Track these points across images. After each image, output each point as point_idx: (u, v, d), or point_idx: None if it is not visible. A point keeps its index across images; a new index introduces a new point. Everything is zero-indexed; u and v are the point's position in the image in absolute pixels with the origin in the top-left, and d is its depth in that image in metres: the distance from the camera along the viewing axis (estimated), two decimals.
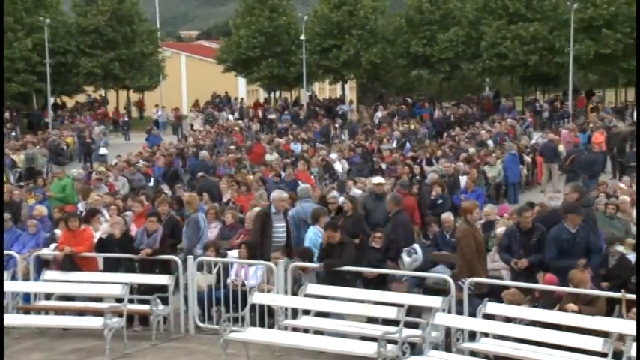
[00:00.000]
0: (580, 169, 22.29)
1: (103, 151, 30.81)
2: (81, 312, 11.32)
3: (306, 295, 10.17)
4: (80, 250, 11.58)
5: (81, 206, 15.53)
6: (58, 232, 12.74)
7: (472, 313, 9.33)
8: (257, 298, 10.22)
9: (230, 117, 44.18)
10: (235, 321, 10.19)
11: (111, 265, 11.66)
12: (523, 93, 50.61)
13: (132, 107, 51.57)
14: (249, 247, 11.54)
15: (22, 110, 47.37)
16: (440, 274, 11.07)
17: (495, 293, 9.80)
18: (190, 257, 11.21)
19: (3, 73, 39.79)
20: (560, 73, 46.02)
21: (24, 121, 44.74)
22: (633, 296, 9.08)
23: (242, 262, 11.29)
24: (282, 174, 20.50)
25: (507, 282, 9.93)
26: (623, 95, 48.64)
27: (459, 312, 9.54)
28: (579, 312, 8.77)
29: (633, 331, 8.11)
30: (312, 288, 10.26)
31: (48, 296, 11.47)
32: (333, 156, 25.35)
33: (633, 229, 12.87)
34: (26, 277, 11.78)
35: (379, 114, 41.93)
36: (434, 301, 9.41)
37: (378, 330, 9.11)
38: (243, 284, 10.96)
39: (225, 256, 11.95)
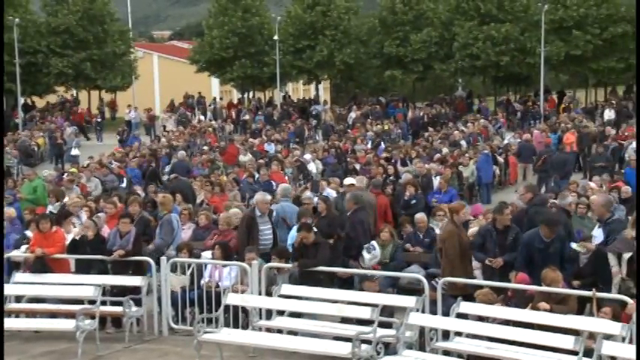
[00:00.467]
0: (552, 169, 22.52)
1: (74, 151, 30.54)
2: (52, 314, 11.20)
3: (280, 296, 10.16)
4: (52, 252, 11.47)
5: (51, 207, 15.38)
6: (29, 233, 12.60)
7: (446, 313, 9.38)
8: (231, 299, 10.20)
9: (202, 117, 44.04)
10: (209, 322, 10.15)
11: (83, 267, 11.56)
12: (495, 93, 50.98)
13: (104, 108, 51.13)
14: (223, 248, 11.52)
15: None
16: (413, 274, 11.12)
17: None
18: (164, 258, 11.14)
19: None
20: (532, 73, 46.39)
21: None
22: (603, 295, 9.19)
23: (216, 263, 11.25)
24: (256, 174, 20.48)
25: (480, 281, 9.99)
26: (594, 96, 49.16)
27: (433, 312, 9.58)
28: (551, 311, 8.85)
29: (604, 330, 8.21)
30: (286, 289, 10.25)
31: (18, 299, 11.32)
32: (307, 156, 25.35)
33: None
34: None
35: (353, 114, 42.00)
36: (408, 301, 9.44)
37: (352, 330, 9.12)
38: (217, 285, 10.93)
39: (198, 257, 11.91)
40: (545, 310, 8.87)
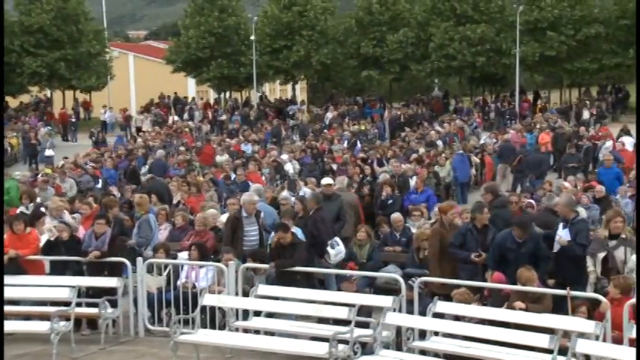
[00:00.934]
0: (527, 168, 22.67)
1: (48, 152, 30.26)
2: (27, 316, 11.09)
3: (257, 297, 10.15)
4: (25, 254, 11.35)
5: (23, 208, 15.20)
6: None
7: (422, 313, 9.42)
8: (208, 299, 10.17)
9: (176, 117, 43.89)
10: (186, 323, 10.11)
11: (58, 269, 11.46)
12: (471, 94, 51.29)
13: (79, 108, 50.74)
14: (200, 249, 11.49)
15: None
16: (390, 273, 11.16)
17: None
18: (140, 259, 11.09)
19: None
20: (507, 74, 46.73)
21: None
22: (578, 293, 9.28)
23: (192, 264, 11.21)
24: (233, 175, 20.43)
25: (456, 281, 10.03)
26: (568, 96, 49.60)
27: (410, 311, 9.62)
28: (526, 310, 8.92)
29: (578, 328, 8.28)
30: (263, 289, 10.25)
31: None
32: (284, 157, 25.32)
33: None
34: None
35: (329, 114, 42.03)
36: (384, 300, 9.47)
37: (329, 330, 9.13)
38: (194, 286, 10.89)
39: (175, 257, 11.86)
40: (521, 309, 8.94)
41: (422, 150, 25.84)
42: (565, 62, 44.69)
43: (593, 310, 8.94)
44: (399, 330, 9.35)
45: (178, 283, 11.03)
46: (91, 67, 49.21)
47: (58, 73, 47.34)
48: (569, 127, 31.59)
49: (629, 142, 25.34)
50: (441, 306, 9.24)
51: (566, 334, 8.36)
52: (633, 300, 8.76)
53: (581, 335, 8.17)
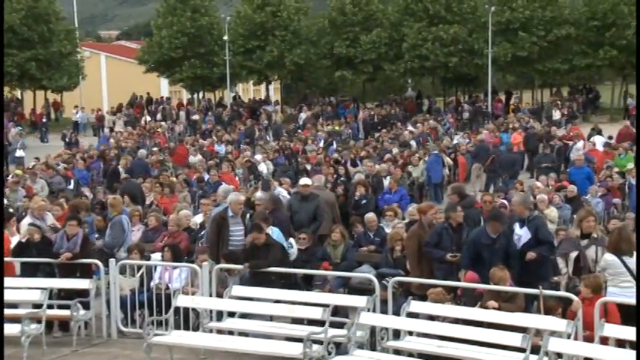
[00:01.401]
0: (500, 168, 22.84)
1: (19, 152, 29.92)
2: None
3: (231, 297, 10.12)
4: None
5: None
6: None
7: (396, 312, 9.45)
8: (181, 301, 10.12)
9: (149, 118, 43.69)
10: (159, 324, 10.04)
11: (29, 270, 11.33)
12: (444, 94, 51.55)
13: (50, 108, 50.27)
14: (173, 250, 11.43)
15: None
16: (364, 273, 11.17)
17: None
18: (112, 260, 11.00)
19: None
20: (480, 74, 47.05)
21: None
22: (550, 292, 9.36)
23: (166, 265, 11.15)
24: (206, 175, 20.35)
25: (430, 280, 10.08)
26: (539, 96, 50.05)
27: (384, 311, 9.64)
28: (499, 309, 8.99)
29: (550, 327, 8.36)
30: (237, 290, 10.21)
31: None
32: (258, 157, 25.27)
33: (550, 226, 13.21)
34: None
35: (303, 115, 42.04)
36: (359, 300, 9.48)
37: (303, 331, 9.13)
38: (167, 287, 10.83)
39: (148, 259, 11.79)
40: (494, 308, 9.00)
41: (395, 150, 25.93)
42: (536, 63, 45.10)
43: (565, 309, 9.03)
44: (373, 330, 9.37)
45: (152, 284, 10.95)
46: (63, 67, 48.75)
47: (28, 73, 46.83)
48: (540, 127, 31.88)
49: (599, 141, 25.65)
50: (415, 306, 9.28)
51: (539, 333, 8.43)
52: (604, 298, 8.87)
53: (554, 334, 8.24)
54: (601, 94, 48.38)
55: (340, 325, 9.40)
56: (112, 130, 39.54)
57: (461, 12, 45.73)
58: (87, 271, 11.10)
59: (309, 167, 23.29)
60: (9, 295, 10.84)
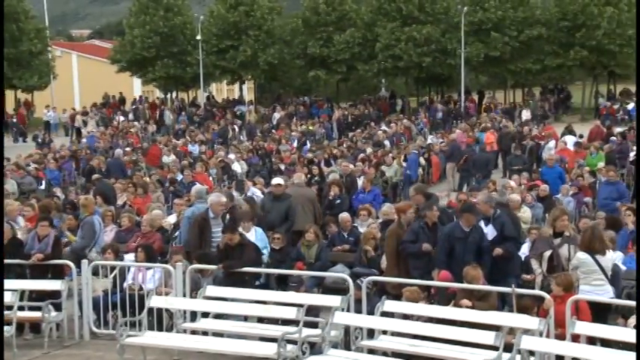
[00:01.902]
0: (474, 168, 22.98)
1: None
2: None
3: (205, 298, 10.07)
4: None
5: None
6: None
7: (371, 312, 9.47)
8: (155, 301, 10.06)
9: (122, 118, 43.39)
10: (132, 325, 9.96)
11: None
12: (418, 94, 51.73)
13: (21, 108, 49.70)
14: (147, 251, 11.36)
15: None
16: (339, 273, 11.18)
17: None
18: (85, 261, 10.90)
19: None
20: (453, 74, 47.28)
21: None
22: (523, 291, 9.44)
23: (139, 266, 11.08)
24: (180, 176, 20.26)
25: (403, 280, 10.11)
26: (512, 96, 50.42)
27: (358, 311, 9.65)
28: (473, 307, 9.04)
29: (523, 325, 8.42)
30: (211, 290, 10.17)
31: None
32: (232, 157, 25.21)
33: (524, 226, 13.30)
34: None
35: (277, 115, 41.99)
36: (333, 300, 9.48)
37: (277, 331, 9.12)
38: (141, 288, 10.76)
39: (122, 259, 11.71)
40: (467, 307, 9.06)
41: (369, 150, 26.01)
42: (509, 63, 45.41)
43: (537, 307, 9.10)
44: (347, 329, 9.38)
45: (125, 285, 10.88)
46: (33, 67, 48.20)
47: None
48: (513, 126, 32.12)
49: (570, 141, 25.90)
50: (389, 305, 9.31)
51: (512, 331, 8.49)
52: (575, 296, 8.96)
53: (526, 332, 8.30)
54: (572, 94, 48.88)
55: (314, 325, 9.41)
56: (79, 131, 39.24)
57: (434, 12, 45.92)
58: (59, 272, 10.99)
59: (282, 167, 23.31)
60: None
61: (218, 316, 10.01)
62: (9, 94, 49.73)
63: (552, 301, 8.76)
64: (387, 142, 28.44)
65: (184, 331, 9.95)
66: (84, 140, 33.29)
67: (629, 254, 11.86)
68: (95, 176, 20.02)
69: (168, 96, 53.17)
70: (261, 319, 9.93)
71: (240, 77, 51.42)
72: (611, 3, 43.31)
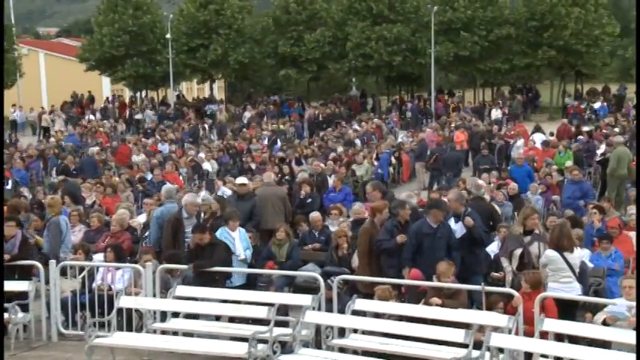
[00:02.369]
0: (444, 167, 23.10)
1: None
2: None
3: (176, 298, 10.01)
4: None
5: None
6: None
7: (341, 311, 9.48)
8: (124, 301, 9.98)
9: (92, 117, 42.99)
10: (101, 326, 9.89)
11: None
12: (388, 93, 51.90)
13: None
14: (116, 251, 11.27)
15: None
16: (310, 272, 11.18)
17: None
18: (53, 262, 10.78)
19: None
20: (423, 73, 47.48)
21: None
22: (492, 289, 9.51)
23: (108, 266, 10.98)
24: (150, 175, 20.13)
25: (374, 278, 10.14)
26: (481, 95, 50.78)
27: (329, 309, 9.66)
28: (442, 305, 9.09)
29: (492, 322, 8.48)
30: (181, 290, 10.11)
31: None
32: (202, 156, 25.11)
33: None
34: None
35: (247, 114, 41.89)
36: (304, 299, 9.48)
37: (248, 330, 9.09)
38: (110, 288, 10.67)
39: (91, 259, 11.60)
40: (437, 305, 9.10)
41: (340, 149, 26.03)
42: (478, 62, 45.72)
43: (507, 305, 9.17)
44: (318, 328, 9.38)
45: (94, 285, 10.77)
46: None
47: None
48: (483, 125, 32.35)
49: (539, 139, 26.16)
50: (360, 304, 9.32)
51: (481, 329, 8.55)
52: (544, 294, 9.04)
53: (495, 329, 8.36)
54: (540, 93, 49.36)
55: (285, 324, 9.39)
56: (47, 129, 38.83)
57: (404, 11, 46.08)
58: (26, 273, 10.85)
59: (253, 166, 23.25)
60: None
61: (188, 316, 9.96)
62: None
63: (521, 299, 8.84)
64: (357, 141, 28.50)
65: (154, 332, 9.88)
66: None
67: (595, 252, 12.03)
68: (60, 177, 19.81)
69: (138, 95, 52.79)
70: (232, 319, 9.89)
71: (210, 76, 51.20)
72: (578, 4, 43.80)
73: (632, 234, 12.81)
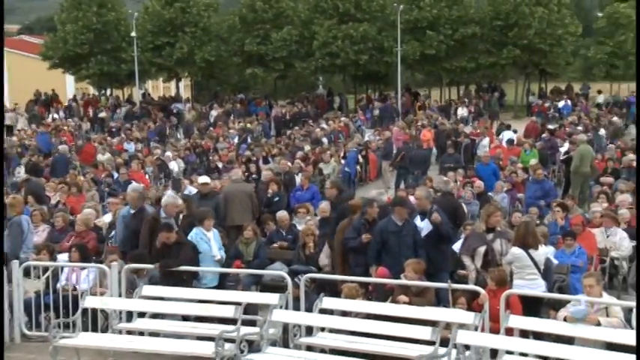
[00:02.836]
0: (411, 165, 23.20)
1: None
2: None
3: (142, 297, 9.93)
4: None
5: None
6: None
7: (309, 309, 9.48)
8: (89, 302, 9.87)
9: (56, 115, 42.50)
10: (66, 327, 9.77)
11: None
12: (355, 91, 52.00)
13: None
14: (81, 250, 11.15)
15: None
16: (277, 271, 11.17)
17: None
18: (16, 262, 10.63)
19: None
20: (390, 72, 47.65)
21: None
22: (458, 286, 9.58)
23: (73, 266, 10.85)
24: (115, 174, 19.95)
25: (341, 277, 10.16)
26: (447, 94, 51.10)
27: (296, 308, 9.65)
28: (410, 303, 9.13)
29: (458, 320, 8.54)
30: (148, 290, 10.03)
31: None
32: (169, 155, 24.95)
33: None
34: None
35: (214, 112, 41.69)
36: (271, 298, 9.46)
37: (215, 329, 9.05)
38: (75, 288, 10.55)
39: (55, 259, 11.46)
40: (405, 302, 9.14)
41: (307, 147, 26.04)
42: (444, 61, 46.02)
43: (472, 302, 9.25)
44: (285, 327, 9.37)
45: (58, 285, 10.64)
46: None
47: None
48: (449, 124, 32.57)
49: (506, 137, 26.42)
50: (327, 302, 9.33)
51: (448, 326, 8.60)
52: (509, 291, 9.13)
53: (462, 326, 8.42)
54: (506, 92, 49.81)
55: (253, 323, 9.37)
56: (10, 128, 38.25)
57: (370, 10, 46.20)
58: None
59: (220, 165, 23.16)
60: None
61: (155, 316, 9.89)
62: None
63: (487, 296, 8.91)
64: (325, 140, 28.53)
65: (120, 332, 9.79)
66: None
67: (559, 249, 12.18)
68: (24, 176, 19.56)
69: (103, 93, 52.26)
70: (199, 318, 9.84)
71: (176, 74, 50.88)
72: (541, 3, 44.31)
73: (596, 231, 13.00)
